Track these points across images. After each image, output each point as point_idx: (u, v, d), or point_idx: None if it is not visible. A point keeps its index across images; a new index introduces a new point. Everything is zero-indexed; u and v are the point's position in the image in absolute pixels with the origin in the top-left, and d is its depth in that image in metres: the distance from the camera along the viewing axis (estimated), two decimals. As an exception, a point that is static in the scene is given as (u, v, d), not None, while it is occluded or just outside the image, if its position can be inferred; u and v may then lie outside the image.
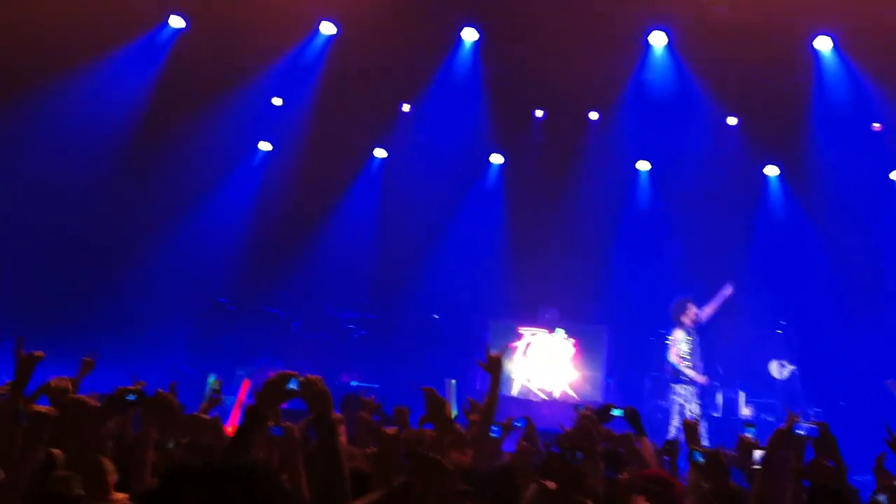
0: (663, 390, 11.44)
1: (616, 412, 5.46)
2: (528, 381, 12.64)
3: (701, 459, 4.22)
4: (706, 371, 10.77)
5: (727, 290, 11.08)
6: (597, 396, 12.16)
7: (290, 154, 13.93)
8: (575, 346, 12.76)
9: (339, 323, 12.97)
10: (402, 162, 14.21)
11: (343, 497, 3.13)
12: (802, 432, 4.22)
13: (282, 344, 12.57)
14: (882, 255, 13.17)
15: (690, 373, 10.45)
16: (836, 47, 12.57)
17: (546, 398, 12.37)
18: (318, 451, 3.22)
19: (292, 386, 3.26)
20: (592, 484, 3.84)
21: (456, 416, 4.55)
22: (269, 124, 13.93)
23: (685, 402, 10.41)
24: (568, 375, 12.64)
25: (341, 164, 14.10)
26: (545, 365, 12.69)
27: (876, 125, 13.14)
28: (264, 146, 14.36)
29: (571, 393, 12.28)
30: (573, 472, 3.48)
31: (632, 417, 5.59)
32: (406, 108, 13.91)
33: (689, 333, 10.65)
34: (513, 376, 12.61)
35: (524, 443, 5.34)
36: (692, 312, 10.73)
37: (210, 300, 12.79)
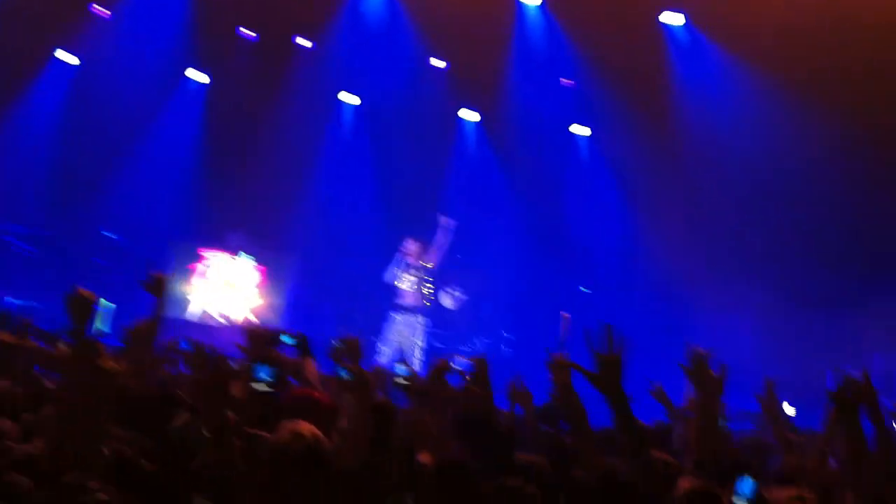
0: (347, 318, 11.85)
1: (286, 339, 5.57)
2: (208, 305, 12.33)
3: (346, 376, 4.19)
4: None
5: (446, 223, 11.26)
6: (277, 323, 12.07)
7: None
8: (261, 272, 12.58)
9: (2, 236, 11.97)
10: (94, 69, 13.22)
11: None
12: (460, 367, 4.61)
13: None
14: (563, 201, 14.02)
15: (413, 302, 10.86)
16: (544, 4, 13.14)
17: (226, 323, 12.12)
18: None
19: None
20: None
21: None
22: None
23: (404, 334, 10.74)
24: (251, 301, 12.46)
25: (19, 62, 12.88)
26: (227, 290, 12.42)
27: (566, 81, 13.91)
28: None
29: (253, 319, 12.09)
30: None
31: (300, 343, 5.70)
32: (100, 10, 12.95)
33: (407, 269, 10.99)
34: (190, 299, 12.25)
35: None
36: (412, 249, 10.98)
37: None
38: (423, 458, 4.10)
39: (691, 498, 3.11)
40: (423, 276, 11.05)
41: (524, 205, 13.97)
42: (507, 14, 13.62)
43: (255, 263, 12.58)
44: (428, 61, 14.04)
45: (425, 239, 11.22)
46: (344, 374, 4.28)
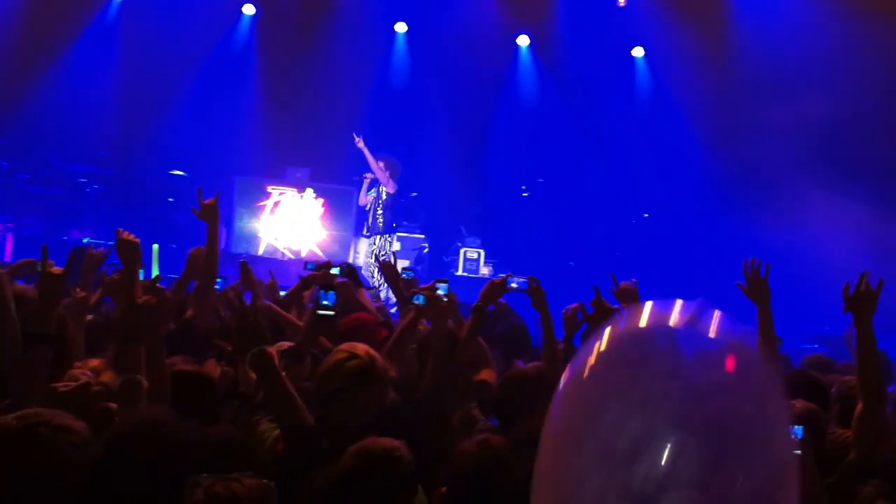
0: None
1: (334, 270, 5.67)
2: (276, 239, 12.43)
3: (421, 301, 4.28)
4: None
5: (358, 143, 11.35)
6: (344, 256, 12.19)
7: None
8: (324, 205, 12.63)
9: (71, 177, 12.02)
10: (144, 8, 13.13)
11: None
12: (515, 285, 4.46)
13: (4, 198, 11.53)
14: (621, 126, 13.91)
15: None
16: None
17: (293, 257, 12.23)
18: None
19: None
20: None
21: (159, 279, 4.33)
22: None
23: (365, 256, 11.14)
24: (316, 235, 12.56)
25: (71, 4, 12.80)
26: (293, 224, 12.50)
27: (621, 1, 13.71)
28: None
29: (318, 252, 12.19)
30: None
31: (349, 273, 5.87)
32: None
33: (367, 193, 11.30)
34: (259, 235, 12.35)
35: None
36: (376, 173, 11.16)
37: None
38: (485, 375, 4.29)
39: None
40: (379, 201, 11.18)
41: (583, 130, 13.85)
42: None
43: (318, 197, 12.60)
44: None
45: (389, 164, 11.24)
46: (420, 300, 4.30)
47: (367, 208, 11.35)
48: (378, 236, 11.15)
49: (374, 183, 11.27)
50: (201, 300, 4.68)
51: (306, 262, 6.02)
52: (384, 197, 11.18)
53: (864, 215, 11.14)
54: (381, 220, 11.15)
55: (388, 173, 11.11)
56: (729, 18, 13.16)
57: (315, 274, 5.57)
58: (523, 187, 13.42)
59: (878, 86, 11.90)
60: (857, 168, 11.55)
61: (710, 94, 13.03)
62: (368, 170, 11.26)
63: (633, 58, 14.09)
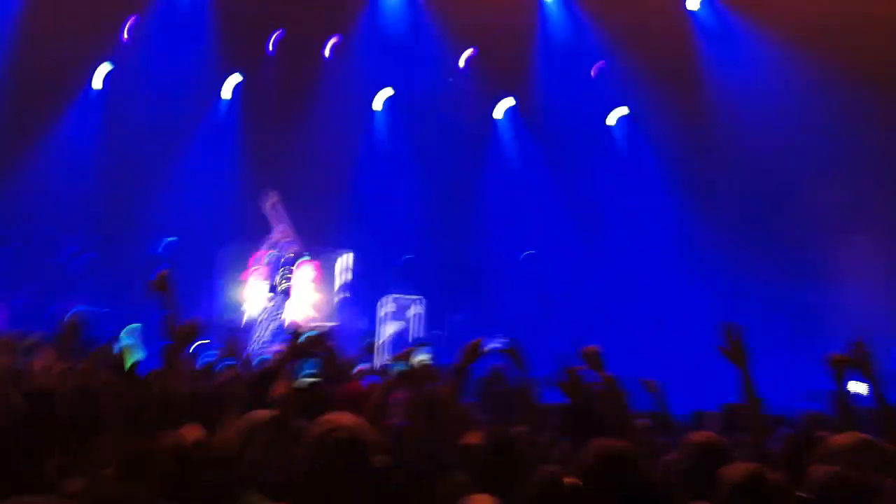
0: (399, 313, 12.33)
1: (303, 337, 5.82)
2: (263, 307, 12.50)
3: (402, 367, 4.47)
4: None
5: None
6: (334, 318, 12.35)
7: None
8: (315, 268, 12.75)
9: (62, 245, 12.32)
10: (127, 88, 13.39)
11: None
12: (494, 346, 4.63)
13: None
14: (600, 185, 14.15)
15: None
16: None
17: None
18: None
19: None
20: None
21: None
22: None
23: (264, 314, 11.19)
24: (310, 297, 12.64)
25: (60, 79, 13.05)
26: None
27: (596, 69, 14.05)
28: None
29: (312, 313, 12.29)
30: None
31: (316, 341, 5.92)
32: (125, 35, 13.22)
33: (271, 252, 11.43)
34: (244, 306, 12.30)
35: None
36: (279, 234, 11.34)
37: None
38: (472, 438, 4.36)
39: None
40: (283, 259, 11.37)
41: (565, 192, 14.10)
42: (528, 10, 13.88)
43: (308, 261, 12.73)
44: (456, 61, 14.21)
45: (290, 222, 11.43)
46: (399, 367, 4.45)
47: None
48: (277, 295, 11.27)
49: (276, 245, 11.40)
50: (174, 368, 4.72)
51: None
52: (289, 255, 11.32)
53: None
54: (281, 280, 11.25)
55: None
56: (702, 77, 13.51)
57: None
58: (525, 253, 13.60)
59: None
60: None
61: (683, 147, 13.30)
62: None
63: (608, 123, 14.37)
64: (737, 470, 3.23)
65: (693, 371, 9.57)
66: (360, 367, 6.13)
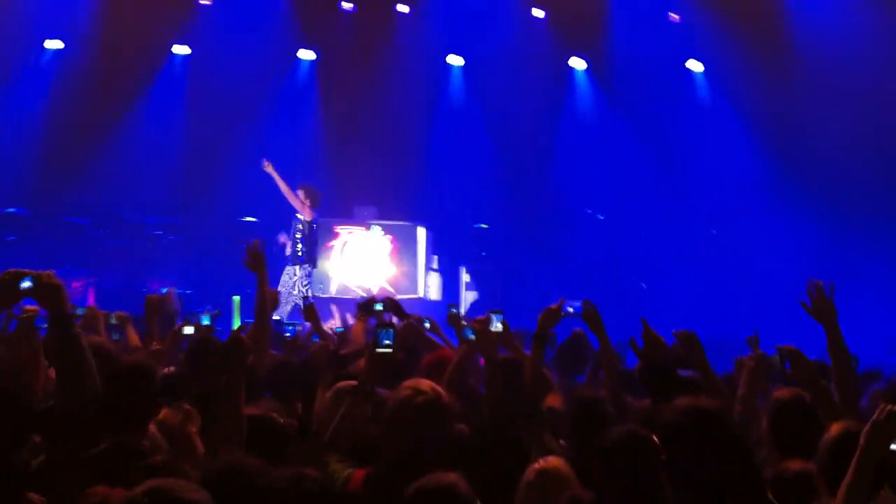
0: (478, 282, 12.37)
1: (377, 305, 5.98)
2: (348, 278, 12.61)
3: (471, 335, 4.46)
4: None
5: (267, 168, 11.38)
6: (414, 291, 12.36)
7: (83, 52, 13.02)
8: (392, 242, 12.78)
9: (144, 229, 12.46)
10: (207, 59, 13.53)
11: (89, 390, 3.05)
12: (571, 310, 4.59)
13: (83, 253, 12.00)
14: (682, 143, 13.74)
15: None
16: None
17: (365, 294, 12.35)
18: (58, 348, 3.08)
19: (26, 284, 3.00)
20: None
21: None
22: (58, 21, 12.94)
23: (285, 286, 10.88)
24: (385, 271, 12.70)
25: (138, 62, 13.30)
26: (363, 262, 12.67)
27: (673, 16, 13.62)
28: (53, 44, 13.28)
29: (389, 288, 12.33)
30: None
31: (393, 306, 6.05)
32: (205, 1, 13.31)
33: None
34: (330, 275, 12.52)
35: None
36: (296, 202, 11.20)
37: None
38: (552, 401, 4.30)
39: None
40: (297, 228, 11.16)
41: (642, 149, 13.74)
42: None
43: (385, 234, 12.76)
44: (529, 12, 13.96)
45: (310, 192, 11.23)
46: (469, 335, 4.46)
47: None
48: (298, 266, 11.12)
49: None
50: (258, 344, 4.81)
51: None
52: (300, 226, 11.18)
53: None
54: (300, 249, 11.11)
55: (308, 202, 11.16)
56: (786, 27, 12.92)
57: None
58: (589, 211, 13.36)
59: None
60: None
61: (769, 103, 12.78)
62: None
63: (689, 71, 13.90)
64: (836, 429, 3.14)
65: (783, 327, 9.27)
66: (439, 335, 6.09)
